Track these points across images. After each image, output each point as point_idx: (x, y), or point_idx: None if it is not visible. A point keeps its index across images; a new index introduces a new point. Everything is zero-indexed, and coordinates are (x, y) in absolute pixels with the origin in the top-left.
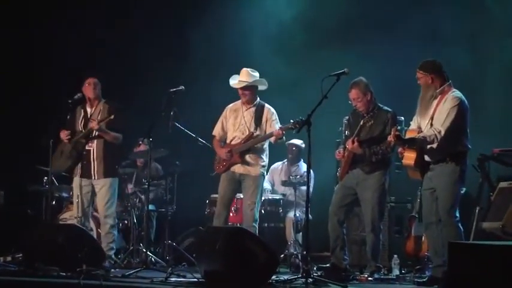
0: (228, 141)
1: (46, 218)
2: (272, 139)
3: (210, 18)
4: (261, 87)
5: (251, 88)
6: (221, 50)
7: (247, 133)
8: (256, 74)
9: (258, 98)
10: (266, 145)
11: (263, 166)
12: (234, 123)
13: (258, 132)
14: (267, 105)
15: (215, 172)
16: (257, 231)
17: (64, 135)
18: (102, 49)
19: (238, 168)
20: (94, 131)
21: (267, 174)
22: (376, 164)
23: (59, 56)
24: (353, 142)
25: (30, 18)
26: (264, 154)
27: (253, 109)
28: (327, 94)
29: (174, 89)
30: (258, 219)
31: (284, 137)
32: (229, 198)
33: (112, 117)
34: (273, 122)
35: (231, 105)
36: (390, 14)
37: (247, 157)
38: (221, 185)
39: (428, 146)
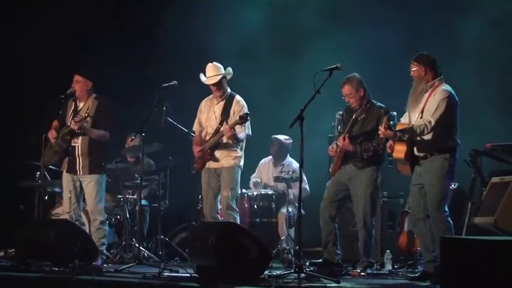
0: (203, 137)
1: (39, 213)
2: (225, 139)
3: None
4: (228, 77)
5: (220, 81)
6: (216, 46)
7: (215, 128)
8: (221, 65)
9: (229, 89)
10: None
11: (237, 157)
12: (206, 118)
13: (224, 127)
14: (237, 97)
15: (195, 170)
16: (237, 221)
17: (51, 135)
18: (92, 44)
19: (212, 164)
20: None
21: (255, 170)
22: (369, 160)
23: (49, 52)
24: (344, 139)
25: (19, 15)
26: (238, 147)
27: (222, 103)
28: (319, 89)
29: (167, 84)
30: (237, 209)
31: (245, 134)
32: (213, 195)
33: (88, 119)
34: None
35: (205, 99)
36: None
37: (217, 153)
38: (202, 182)
39: (418, 138)
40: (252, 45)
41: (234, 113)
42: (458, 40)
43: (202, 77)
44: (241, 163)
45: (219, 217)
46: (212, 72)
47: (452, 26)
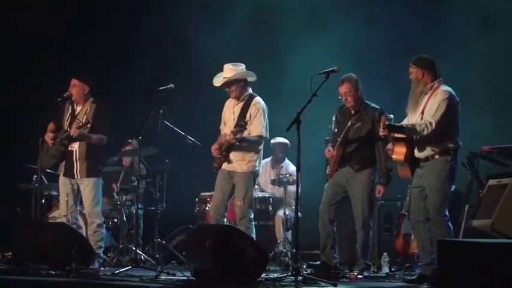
0: (224, 137)
1: (35, 216)
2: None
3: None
4: (250, 79)
5: (235, 83)
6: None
7: (231, 130)
8: (240, 67)
9: (250, 90)
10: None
11: (251, 161)
12: (227, 118)
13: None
14: (256, 99)
15: (215, 169)
16: (253, 230)
17: (48, 137)
18: (89, 47)
19: (226, 166)
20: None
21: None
22: (365, 162)
23: (46, 55)
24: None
25: (17, 17)
26: (253, 150)
27: (241, 104)
28: (316, 92)
29: (163, 87)
30: (251, 218)
31: (256, 137)
32: (222, 197)
33: (89, 125)
34: (255, 118)
35: (229, 99)
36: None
37: (232, 155)
38: (215, 183)
39: (418, 137)
40: (237, 48)
41: (250, 116)
42: (448, 41)
43: (215, 78)
44: (257, 167)
45: (225, 221)
46: (226, 74)
47: (441, 27)
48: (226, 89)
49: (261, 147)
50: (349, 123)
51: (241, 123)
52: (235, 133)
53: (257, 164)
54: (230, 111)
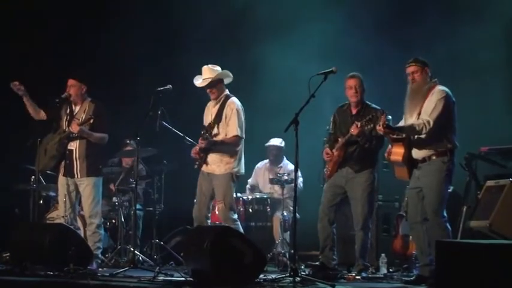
0: None
1: (33, 217)
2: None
3: None
4: (227, 80)
5: (215, 84)
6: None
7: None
8: (218, 68)
9: (227, 91)
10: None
11: (228, 164)
12: (206, 120)
13: (215, 131)
14: (231, 99)
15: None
16: (239, 229)
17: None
18: (88, 48)
19: (205, 168)
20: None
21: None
22: (365, 163)
23: (44, 55)
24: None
25: (17, 18)
26: (229, 152)
27: (218, 105)
28: (314, 93)
29: (161, 88)
30: (235, 218)
31: (240, 137)
32: (204, 199)
33: (92, 120)
34: (230, 120)
35: (209, 102)
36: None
37: (209, 157)
38: (197, 185)
39: (416, 137)
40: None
41: (225, 117)
42: (437, 38)
43: (196, 80)
44: (236, 169)
45: (209, 222)
46: (206, 75)
47: (431, 24)
48: (208, 90)
49: (240, 147)
50: (359, 125)
51: (207, 133)
52: (203, 137)
53: (235, 165)
54: (209, 113)
